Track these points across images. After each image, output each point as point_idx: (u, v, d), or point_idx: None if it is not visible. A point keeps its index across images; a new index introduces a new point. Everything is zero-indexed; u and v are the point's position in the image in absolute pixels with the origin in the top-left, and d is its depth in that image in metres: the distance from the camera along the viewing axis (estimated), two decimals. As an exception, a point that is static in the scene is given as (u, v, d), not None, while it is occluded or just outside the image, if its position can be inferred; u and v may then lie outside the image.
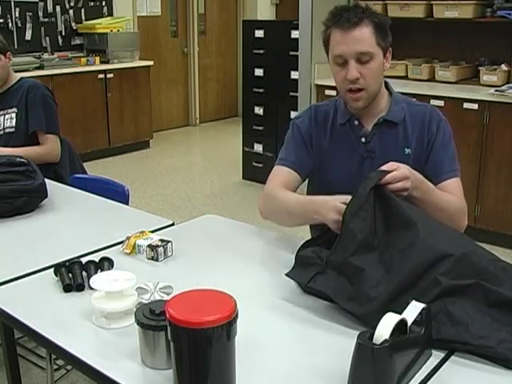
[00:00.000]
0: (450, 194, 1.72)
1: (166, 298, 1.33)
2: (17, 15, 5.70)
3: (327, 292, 1.34)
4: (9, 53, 2.77)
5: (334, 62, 1.72)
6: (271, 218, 1.80)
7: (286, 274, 1.45)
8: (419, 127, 1.78)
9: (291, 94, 4.75)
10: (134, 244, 1.68)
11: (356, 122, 1.81)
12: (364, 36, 1.66)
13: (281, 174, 1.82)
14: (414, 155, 1.77)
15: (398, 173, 1.50)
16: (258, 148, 5.17)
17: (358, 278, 1.30)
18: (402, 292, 1.26)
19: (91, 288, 1.35)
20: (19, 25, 5.73)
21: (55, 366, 2.15)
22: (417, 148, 1.78)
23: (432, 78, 4.27)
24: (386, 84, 1.84)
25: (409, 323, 1.12)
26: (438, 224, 1.47)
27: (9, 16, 5.63)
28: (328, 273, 1.36)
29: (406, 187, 1.51)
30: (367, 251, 1.34)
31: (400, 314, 1.11)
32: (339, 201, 1.51)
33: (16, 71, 2.99)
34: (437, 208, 1.62)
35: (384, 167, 1.51)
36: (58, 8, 5.99)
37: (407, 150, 1.77)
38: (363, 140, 1.80)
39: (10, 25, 5.65)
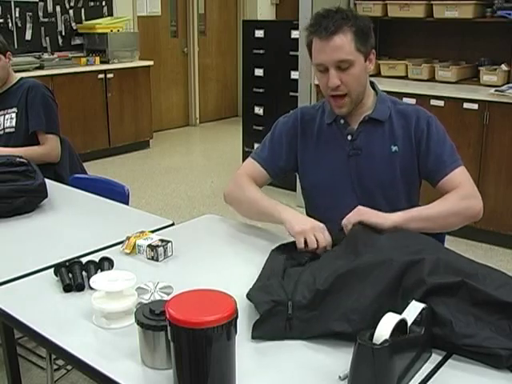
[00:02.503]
0: (453, 187, 1.72)
1: (166, 297, 1.33)
2: (17, 15, 5.69)
3: (311, 335, 1.25)
4: (9, 53, 2.78)
5: (317, 69, 1.75)
6: (233, 206, 1.90)
7: (253, 338, 1.25)
8: (405, 125, 1.79)
9: (291, 93, 4.75)
10: (134, 244, 1.68)
11: (342, 121, 1.83)
12: (342, 44, 1.67)
13: (250, 167, 1.91)
14: (401, 153, 1.79)
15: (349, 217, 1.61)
16: (258, 148, 5.16)
17: (333, 301, 1.26)
18: (386, 296, 1.24)
19: (91, 288, 1.35)
20: (19, 25, 5.72)
21: (55, 366, 2.15)
22: (404, 146, 1.79)
23: (432, 78, 4.26)
24: (372, 84, 1.86)
25: (409, 323, 1.12)
26: (413, 237, 1.49)
27: (9, 16, 5.63)
28: (298, 316, 1.26)
29: (356, 219, 1.58)
30: (336, 276, 1.29)
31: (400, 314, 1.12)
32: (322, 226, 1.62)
33: (16, 71, 2.99)
34: (444, 217, 1.67)
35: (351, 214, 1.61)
36: (58, 8, 5.98)
37: (394, 148, 1.79)
38: (349, 138, 1.82)
39: (10, 25, 5.65)
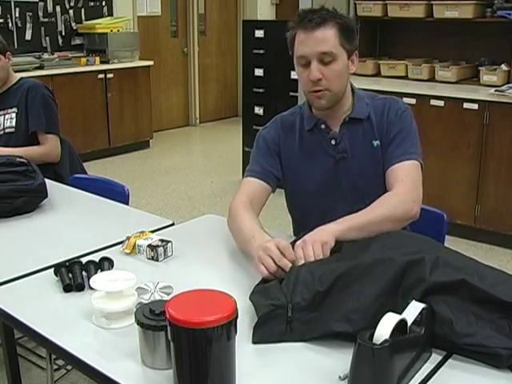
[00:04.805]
0: (395, 180, 1.66)
1: (166, 298, 1.33)
2: (17, 15, 5.69)
3: (311, 336, 1.25)
4: (8, 53, 2.78)
5: (298, 63, 1.73)
6: (230, 231, 1.76)
7: (254, 342, 1.24)
8: (380, 118, 1.78)
9: (291, 94, 4.75)
10: (134, 244, 1.68)
11: (323, 126, 1.80)
12: (326, 36, 1.67)
13: (247, 186, 1.80)
14: (382, 146, 1.77)
15: (304, 251, 1.43)
16: (258, 148, 5.16)
17: (334, 301, 1.25)
18: (386, 296, 1.24)
19: (91, 288, 1.35)
20: (19, 25, 5.72)
21: (55, 366, 2.15)
22: (382, 138, 1.77)
23: (432, 78, 4.26)
24: (350, 84, 1.83)
25: (409, 323, 1.11)
26: (407, 238, 1.47)
27: (9, 16, 5.63)
28: (298, 318, 1.25)
29: (321, 248, 1.43)
30: (334, 278, 1.28)
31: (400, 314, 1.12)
32: (272, 242, 1.43)
33: (16, 71, 2.99)
34: (378, 224, 1.54)
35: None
36: (58, 8, 5.99)
37: (375, 143, 1.77)
38: (333, 142, 1.79)
39: (10, 25, 5.65)
